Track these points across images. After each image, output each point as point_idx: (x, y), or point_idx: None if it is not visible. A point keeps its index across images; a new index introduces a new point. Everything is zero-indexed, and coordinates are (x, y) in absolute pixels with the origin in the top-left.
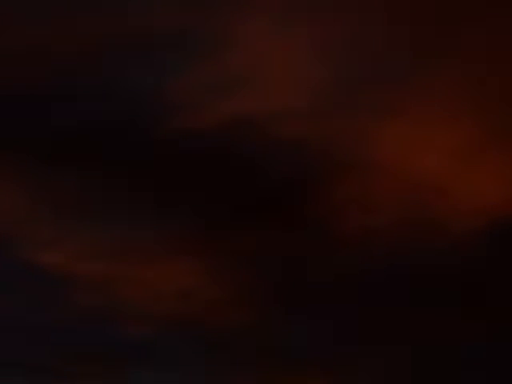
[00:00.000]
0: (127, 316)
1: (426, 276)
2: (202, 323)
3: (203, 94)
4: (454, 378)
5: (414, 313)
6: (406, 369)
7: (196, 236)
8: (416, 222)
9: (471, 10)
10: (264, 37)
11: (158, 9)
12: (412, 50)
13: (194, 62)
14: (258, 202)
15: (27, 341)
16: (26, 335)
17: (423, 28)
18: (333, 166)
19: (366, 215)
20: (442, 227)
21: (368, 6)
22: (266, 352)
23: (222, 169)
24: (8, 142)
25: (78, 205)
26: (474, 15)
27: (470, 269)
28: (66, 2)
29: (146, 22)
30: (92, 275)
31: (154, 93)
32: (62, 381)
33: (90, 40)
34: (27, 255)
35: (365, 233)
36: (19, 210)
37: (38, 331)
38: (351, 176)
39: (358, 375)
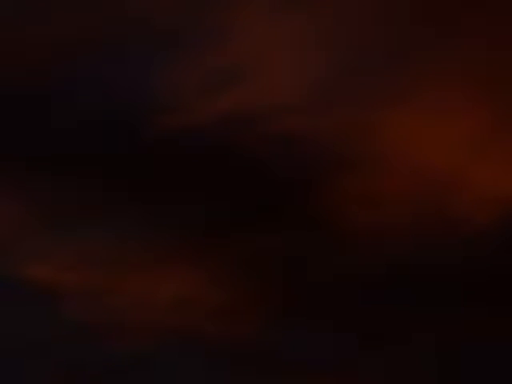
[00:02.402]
0: (122, 329)
1: (440, 275)
2: (201, 333)
3: (200, 89)
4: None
5: (427, 313)
6: (414, 372)
7: (193, 241)
8: (427, 218)
9: None
10: (262, 28)
11: (152, 3)
12: (416, 37)
13: (190, 56)
14: (258, 202)
15: (17, 357)
16: (15, 351)
17: (425, 13)
18: (337, 161)
19: (373, 213)
20: (456, 222)
21: None
22: (268, 362)
23: (220, 168)
24: None
25: (65, 212)
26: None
27: (487, 265)
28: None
29: (141, 16)
30: (83, 287)
31: (148, 90)
32: None
33: (84, 38)
34: (13, 267)
35: (373, 231)
36: (4, 220)
37: (27, 347)
38: (357, 172)
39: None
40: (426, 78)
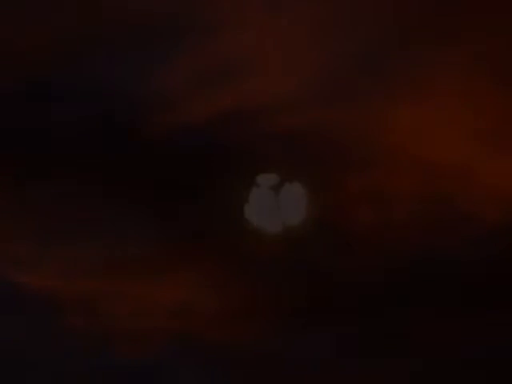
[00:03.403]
0: (120, 338)
1: (452, 274)
2: (202, 340)
3: (195, 85)
4: None
5: (430, 313)
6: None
7: (193, 244)
8: (437, 216)
9: None
10: (259, 20)
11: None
12: (423, 25)
13: (184, 50)
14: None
15: (12, 371)
16: (9, 365)
17: (428, 7)
18: (341, 158)
19: (379, 211)
20: (468, 219)
21: None
22: (269, 367)
23: (218, 169)
24: None
25: (63, 217)
26: None
27: (501, 264)
28: None
29: (137, 14)
30: (79, 295)
31: (141, 87)
32: None
33: (81, 38)
34: (6, 276)
35: (381, 231)
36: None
37: (26, 356)
38: (362, 169)
39: None
40: (433, 73)
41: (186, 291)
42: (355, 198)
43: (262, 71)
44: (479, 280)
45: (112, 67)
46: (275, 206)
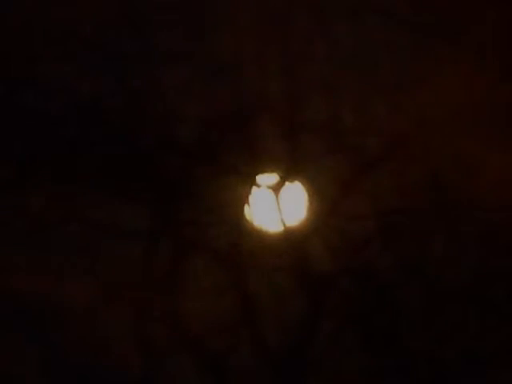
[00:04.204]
0: (120, 345)
1: (452, 273)
2: (202, 346)
3: (193, 85)
4: None
5: (437, 314)
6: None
7: (191, 246)
8: (445, 209)
9: None
10: (259, 19)
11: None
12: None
13: (183, 51)
14: None
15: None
16: (10, 376)
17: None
18: (342, 158)
19: (382, 211)
20: (475, 213)
21: None
22: (271, 373)
23: (218, 169)
24: None
25: (60, 220)
26: None
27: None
28: None
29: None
30: (76, 300)
31: (140, 87)
32: None
33: (74, 33)
34: (4, 281)
35: (382, 230)
36: None
37: (27, 364)
38: (363, 168)
39: None
40: (437, 66)
41: (186, 294)
42: (355, 198)
43: (262, 71)
44: (480, 277)
45: (111, 67)
46: (275, 205)
